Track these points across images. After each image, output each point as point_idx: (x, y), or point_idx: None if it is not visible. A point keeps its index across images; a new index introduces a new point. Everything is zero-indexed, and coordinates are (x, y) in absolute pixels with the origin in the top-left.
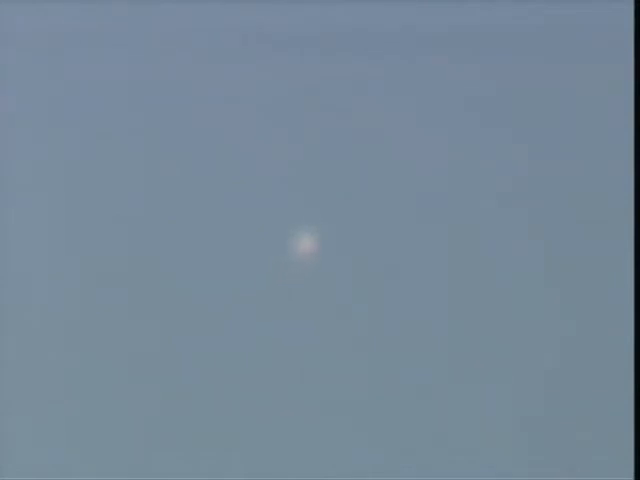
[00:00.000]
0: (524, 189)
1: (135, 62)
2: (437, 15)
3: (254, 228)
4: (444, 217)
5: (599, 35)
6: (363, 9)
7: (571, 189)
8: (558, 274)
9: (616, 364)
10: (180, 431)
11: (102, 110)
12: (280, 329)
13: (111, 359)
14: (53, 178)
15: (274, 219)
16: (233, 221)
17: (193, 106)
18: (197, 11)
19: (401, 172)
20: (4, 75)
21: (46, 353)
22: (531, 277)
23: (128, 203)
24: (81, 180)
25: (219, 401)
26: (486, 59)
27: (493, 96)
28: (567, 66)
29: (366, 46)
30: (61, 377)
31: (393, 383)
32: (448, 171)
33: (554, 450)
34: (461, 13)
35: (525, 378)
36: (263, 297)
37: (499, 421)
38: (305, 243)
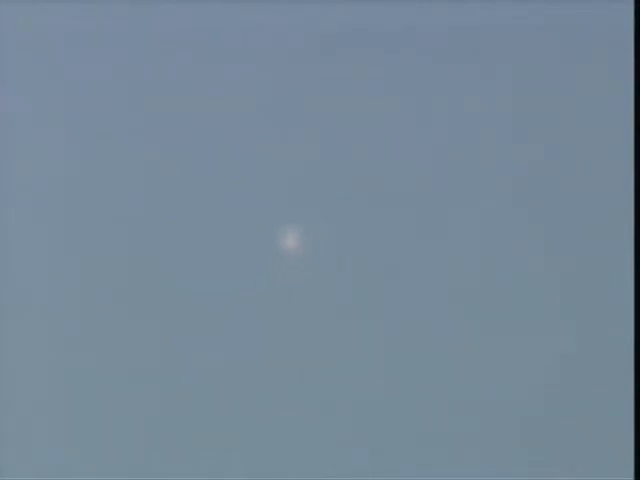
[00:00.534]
0: (524, 189)
1: (135, 62)
2: (437, 15)
3: (254, 228)
4: (443, 218)
5: (599, 35)
6: (363, 9)
7: (571, 189)
8: (558, 274)
9: (616, 364)
10: (180, 431)
11: (102, 110)
12: (279, 329)
13: (110, 359)
14: (53, 178)
15: (274, 219)
16: (233, 221)
17: (193, 106)
18: (197, 11)
19: (401, 172)
20: (4, 75)
21: (46, 353)
22: (531, 277)
23: (127, 203)
24: (81, 180)
25: (219, 401)
26: (486, 59)
27: (493, 96)
28: (567, 66)
29: (366, 46)
30: (61, 377)
31: (393, 383)
32: (448, 171)
33: (554, 450)
34: (461, 13)
35: (525, 378)
36: (262, 296)
37: (499, 421)
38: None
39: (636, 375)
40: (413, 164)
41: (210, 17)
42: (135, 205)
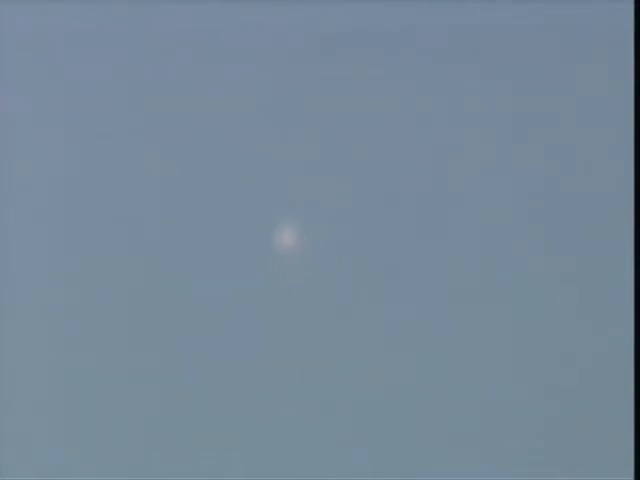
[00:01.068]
0: (524, 189)
1: (135, 62)
2: (437, 15)
3: (253, 228)
4: (443, 218)
5: (599, 35)
6: (363, 9)
7: (571, 189)
8: (558, 274)
9: (616, 364)
10: (180, 431)
11: (102, 110)
12: (279, 329)
13: (110, 359)
14: (53, 178)
15: (273, 219)
16: (233, 221)
17: (193, 106)
18: (197, 11)
19: (401, 172)
20: (4, 75)
21: (46, 353)
22: (531, 277)
23: (127, 202)
24: (81, 180)
25: (219, 401)
26: (486, 59)
27: (493, 96)
28: (567, 66)
29: (366, 46)
30: (61, 377)
31: (393, 383)
32: (447, 171)
33: (554, 450)
34: (461, 13)
35: (524, 378)
36: (261, 296)
37: (499, 421)
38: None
39: (636, 375)
40: (413, 164)
41: (210, 17)
42: (135, 205)
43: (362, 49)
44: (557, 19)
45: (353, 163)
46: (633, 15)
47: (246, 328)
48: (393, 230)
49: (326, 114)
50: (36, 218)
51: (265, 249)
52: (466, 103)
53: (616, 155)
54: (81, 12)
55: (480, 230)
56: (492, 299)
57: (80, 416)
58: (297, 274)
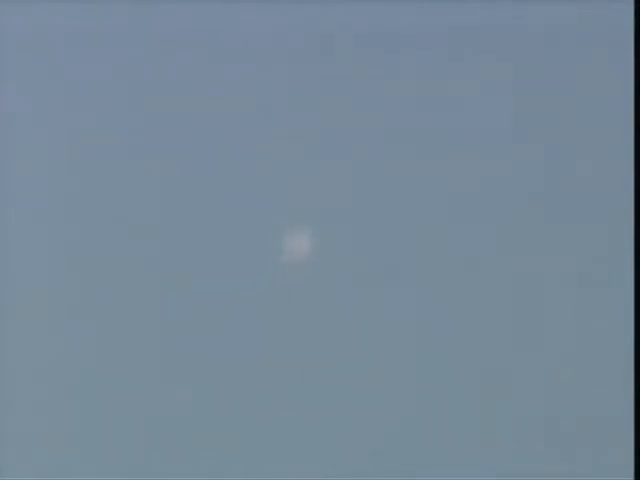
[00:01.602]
0: (524, 189)
1: (135, 62)
2: (437, 15)
3: (254, 229)
4: (443, 218)
5: (599, 35)
6: (363, 9)
7: (571, 189)
8: (558, 274)
9: (616, 364)
10: (180, 431)
11: (102, 110)
12: (280, 331)
13: (110, 359)
14: (53, 178)
15: (274, 220)
16: (233, 222)
17: (193, 106)
18: (197, 11)
19: (401, 172)
20: (4, 75)
21: (46, 353)
22: (531, 277)
23: (127, 203)
24: (81, 180)
25: (219, 402)
26: (486, 59)
27: (493, 96)
28: (567, 66)
29: (366, 46)
30: (61, 377)
31: (393, 384)
32: (447, 171)
33: (554, 450)
34: (461, 13)
35: (524, 378)
36: (263, 299)
37: (498, 421)
38: (302, 244)
39: (636, 375)
40: (413, 164)
41: (210, 17)
42: (135, 205)
43: (362, 49)
44: (557, 19)
45: (353, 163)
46: (633, 15)
47: (246, 328)
48: (393, 230)
49: (326, 114)
50: (36, 218)
51: (265, 249)
52: (466, 103)
53: (616, 155)
54: (81, 12)
55: (480, 230)
56: (492, 299)
57: (80, 416)
58: (298, 276)
